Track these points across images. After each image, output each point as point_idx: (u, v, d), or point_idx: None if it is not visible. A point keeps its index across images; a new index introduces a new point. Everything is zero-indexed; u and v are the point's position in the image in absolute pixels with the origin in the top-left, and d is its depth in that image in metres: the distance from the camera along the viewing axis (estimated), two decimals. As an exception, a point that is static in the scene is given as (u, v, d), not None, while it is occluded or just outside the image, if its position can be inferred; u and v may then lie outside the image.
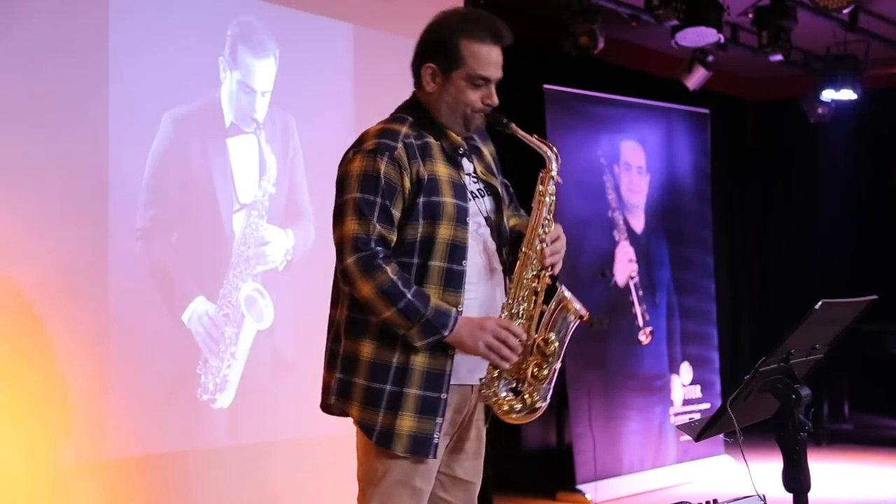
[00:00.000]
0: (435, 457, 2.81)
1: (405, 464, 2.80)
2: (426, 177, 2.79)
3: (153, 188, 4.47)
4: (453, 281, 2.80)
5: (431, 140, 2.86)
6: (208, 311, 4.64)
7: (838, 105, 8.65)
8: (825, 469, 7.45)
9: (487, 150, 3.03)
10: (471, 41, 2.82)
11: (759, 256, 10.27)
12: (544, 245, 2.84)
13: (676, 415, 7.42)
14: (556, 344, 2.82)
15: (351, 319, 2.84)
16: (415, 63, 2.91)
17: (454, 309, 2.77)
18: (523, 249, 2.84)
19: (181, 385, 4.55)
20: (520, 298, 2.83)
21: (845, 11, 6.90)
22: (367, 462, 2.84)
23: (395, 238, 2.79)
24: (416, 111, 2.90)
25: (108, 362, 4.29)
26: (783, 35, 7.20)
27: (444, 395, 2.80)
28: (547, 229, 2.85)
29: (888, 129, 9.38)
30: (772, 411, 2.88)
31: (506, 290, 2.89)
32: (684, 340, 7.60)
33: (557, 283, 2.87)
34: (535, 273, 2.84)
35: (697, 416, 7.31)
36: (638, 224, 7.39)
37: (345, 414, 2.86)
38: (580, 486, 6.62)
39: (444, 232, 2.79)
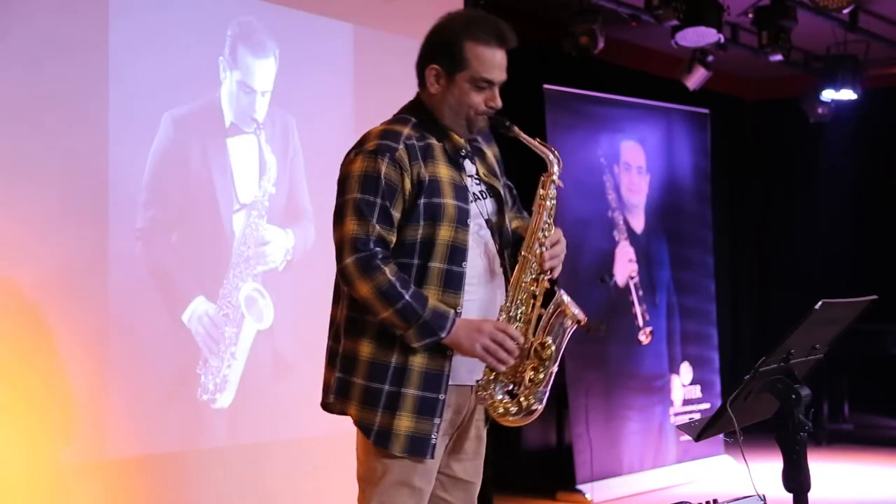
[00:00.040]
0: (433, 457, 2.81)
1: (405, 463, 2.81)
2: (427, 178, 2.80)
3: (153, 188, 4.47)
4: (453, 282, 2.80)
5: (434, 141, 2.86)
6: (208, 311, 4.64)
7: (838, 105, 8.66)
8: (825, 469, 7.45)
9: (491, 152, 3.03)
10: (475, 44, 2.82)
11: (759, 256, 10.27)
12: (544, 249, 2.84)
13: (676, 415, 7.43)
14: (553, 348, 2.83)
15: (350, 319, 2.84)
16: (419, 64, 2.91)
17: (452, 311, 2.77)
18: (522, 253, 2.84)
19: (181, 385, 4.55)
20: (518, 301, 2.83)
21: (845, 11, 6.91)
22: (367, 462, 2.85)
23: (394, 239, 2.79)
24: (419, 112, 2.90)
25: (108, 362, 4.29)
26: (783, 35, 7.20)
27: (442, 396, 2.80)
28: (547, 233, 2.85)
29: (888, 129, 9.38)
30: (772, 411, 2.88)
31: (506, 292, 2.89)
32: (684, 340, 7.61)
33: (556, 287, 2.87)
34: (533, 277, 2.84)
35: (697, 416, 7.31)
36: (638, 224, 7.39)
37: (344, 413, 2.87)
38: (580, 486, 6.62)
39: (445, 233, 2.80)
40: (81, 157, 4.25)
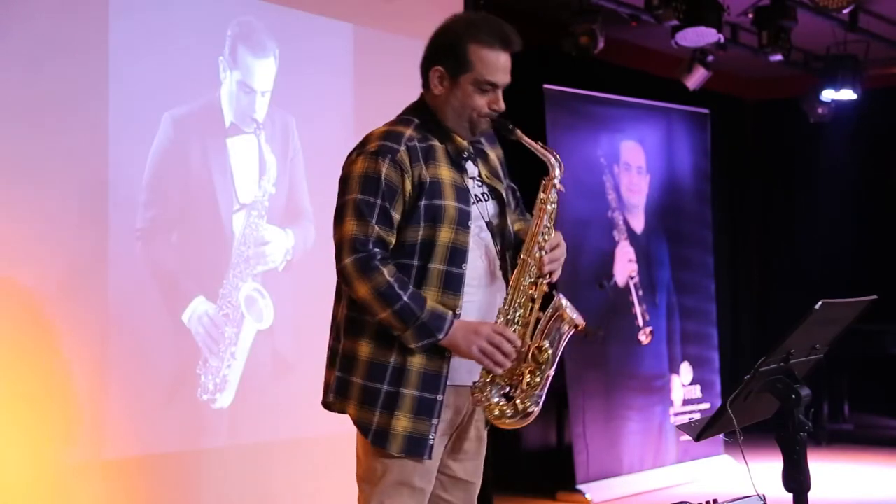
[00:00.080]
0: (430, 457, 2.81)
1: (404, 463, 2.81)
2: (428, 180, 2.80)
3: (153, 188, 4.47)
4: (452, 284, 2.81)
5: (436, 143, 2.86)
6: (208, 311, 4.64)
7: (838, 105, 8.66)
8: (825, 469, 7.45)
9: (495, 154, 3.03)
10: (480, 46, 2.82)
11: (759, 256, 10.27)
12: (543, 253, 2.84)
13: (676, 415, 7.42)
14: (550, 352, 2.83)
15: (350, 319, 2.85)
16: (423, 65, 2.91)
17: (450, 312, 2.78)
18: (522, 256, 2.85)
19: (181, 385, 4.55)
20: (516, 304, 2.83)
21: (845, 11, 6.90)
22: (367, 462, 2.85)
23: (393, 240, 2.79)
24: (422, 113, 2.90)
25: (108, 362, 4.29)
26: (783, 35, 7.20)
27: (440, 397, 2.80)
28: (547, 237, 2.86)
29: (888, 129, 9.38)
30: (772, 411, 2.88)
31: (506, 295, 2.89)
32: (684, 340, 7.60)
33: (554, 291, 2.87)
34: (532, 280, 2.84)
35: (697, 416, 7.31)
36: (638, 224, 7.39)
37: (344, 412, 2.88)
38: (580, 486, 6.62)
39: (445, 235, 2.80)
40: (81, 157, 4.25)
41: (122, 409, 4.32)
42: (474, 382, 2.84)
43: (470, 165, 2.93)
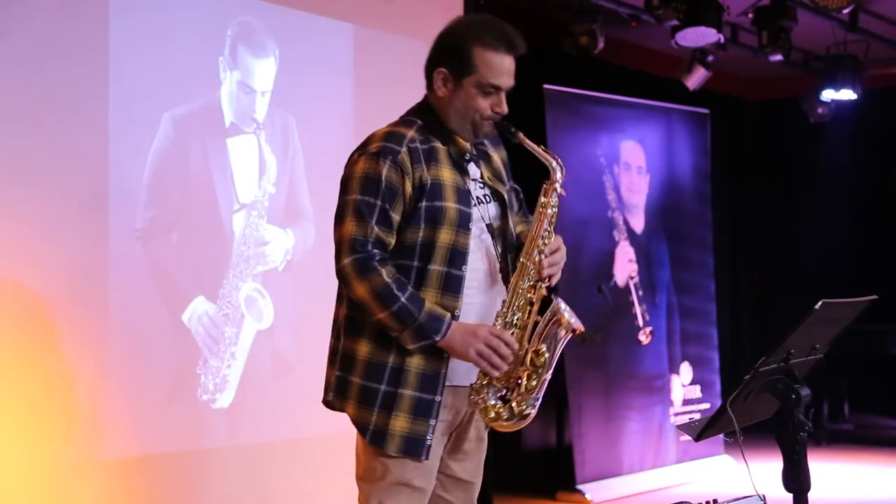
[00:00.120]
0: (427, 458, 2.81)
1: (404, 463, 2.81)
2: (429, 181, 2.80)
3: (153, 188, 4.47)
4: (452, 285, 2.81)
5: (438, 144, 2.87)
6: (208, 311, 4.64)
7: (838, 105, 8.66)
8: (825, 469, 7.45)
9: (498, 156, 3.03)
10: (484, 49, 2.82)
11: (759, 256, 10.27)
12: (543, 256, 2.85)
13: (676, 415, 7.42)
14: (547, 355, 2.84)
15: (350, 318, 2.86)
16: (427, 66, 2.91)
17: (448, 314, 2.78)
18: (521, 259, 2.85)
19: (181, 385, 4.55)
20: (514, 308, 2.84)
21: (845, 11, 6.90)
22: (367, 461, 2.86)
23: (393, 241, 2.80)
24: (425, 115, 2.90)
25: (108, 362, 4.29)
26: (783, 35, 7.20)
27: (438, 398, 2.81)
28: (546, 240, 2.86)
29: (888, 129, 9.38)
30: (772, 411, 2.88)
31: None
32: (684, 340, 7.61)
33: (553, 296, 2.87)
34: (531, 283, 2.85)
35: (697, 416, 7.31)
36: (638, 224, 7.39)
37: (343, 411, 2.88)
38: (580, 486, 6.62)
39: (445, 236, 2.80)
40: (81, 157, 4.25)
41: (122, 409, 4.32)
42: (471, 384, 2.84)
43: (472, 167, 2.93)
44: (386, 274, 2.75)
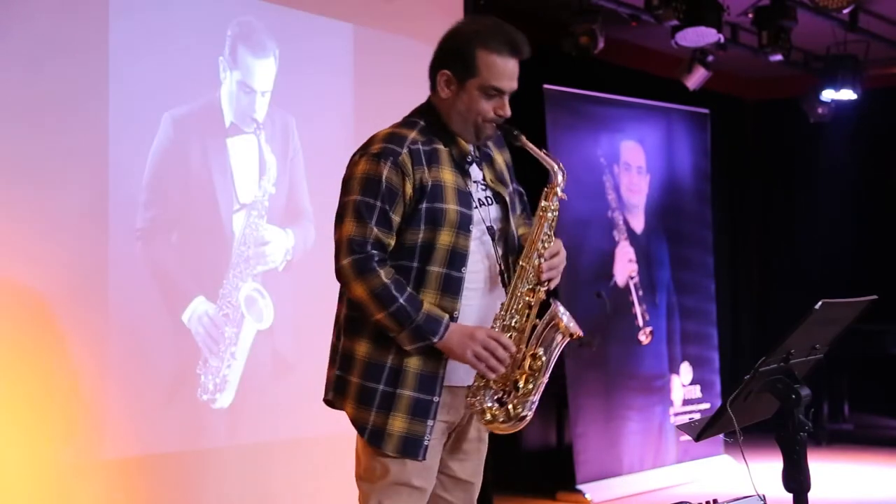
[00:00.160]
0: (425, 458, 2.82)
1: (403, 463, 2.82)
2: (430, 183, 2.80)
3: (153, 188, 4.47)
4: (451, 287, 2.81)
5: (440, 146, 2.87)
6: (208, 311, 4.64)
7: (838, 105, 8.66)
8: (825, 469, 7.45)
9: (502, 158, 3.03)
10: (488, 52, 2.82)
11: (759, 256, 10.27)
12: (542, 260, 2.85)
13: (676, 415, 7.42)
14: (544, 359, 2.83)
15: (350, 318, 2.87)
16: (431, 68, 2.91)
17: (446, 316, 2.78)
18: (521, 262, 2.85)
19: (181, 385, 4.55)
20: (513, 311, 2.84)
21: (845, 11, 6.90)
22: (367, 461, 2.86)
23: (392, 242, 2.80)
24: (428, 116, 2.90)
25: (108, 362, 4.29)
26: (783, 35, 7.20)
27: (436, 399, 2.81)
28: (546, 244, 2.86)
29: (888, 129, 9.38)
30: (772, 411, 2.88)
31: (504, 300, 2.90)
32: (684, 340, 7.61)
33: (551, 300, 2.87)
34: (530, 287, 2.85)
35: (697, 416, 7.31)
36: (638, 224, 7.39)
37: (343, 409, 2.89)
38: (580, 486, 6.62)
39: (445, 238, 2.80)
40: (81, 157, 4.25)
41: (122, 409, 4.32)
42: (468, 386, 2.84)
43: (474, 169, 2.93)
44: (384, 275, 2.75)
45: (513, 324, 2.83)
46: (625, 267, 7.22)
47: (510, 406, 2.84)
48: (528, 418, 2.86)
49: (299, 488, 4.95)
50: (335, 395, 2.88)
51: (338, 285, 2.88)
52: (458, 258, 2.81)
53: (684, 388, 7.55)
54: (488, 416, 2.85)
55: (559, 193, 2.87)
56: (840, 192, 9.68)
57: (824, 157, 9.68)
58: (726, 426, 2.84)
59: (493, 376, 2.81)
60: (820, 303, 2.77)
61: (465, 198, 2.85)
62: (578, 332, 2.83)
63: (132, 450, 4.36)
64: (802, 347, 2.88)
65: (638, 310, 7.25)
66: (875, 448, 8.53)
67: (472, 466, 3.00)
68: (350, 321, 2.86)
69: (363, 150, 2.86)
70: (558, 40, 6.85)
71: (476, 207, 2.87)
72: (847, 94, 8.28)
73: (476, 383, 2.83)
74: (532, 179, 3.17)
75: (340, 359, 2.86)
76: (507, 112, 2.87)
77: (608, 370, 7.03)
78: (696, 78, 7.64)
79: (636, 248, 7.30)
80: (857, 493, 6.95)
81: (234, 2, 4.85)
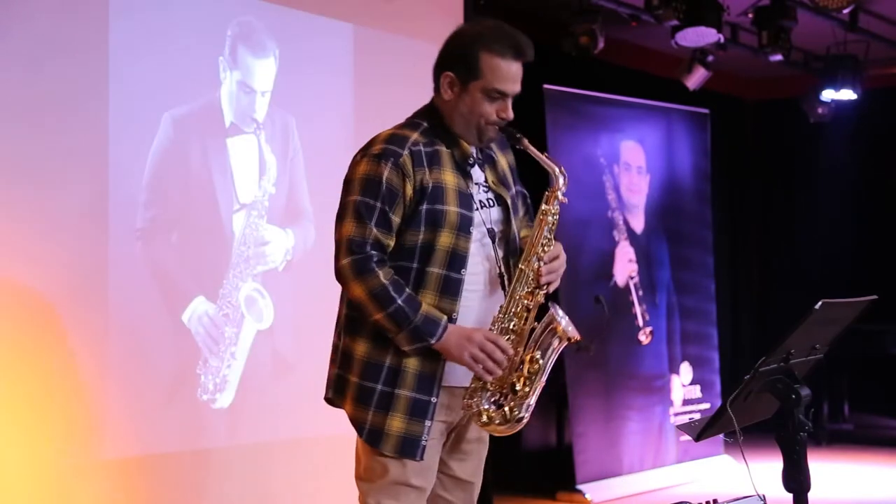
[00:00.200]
0: (422, 458, 2.82)
1: (403, 463, 2.82)
2: (431, 184, 2.80)
3: (153, 188, 4.47)
4: (450, 288, 2.81)
5: (442, 148, 2.87)
6: (208, 311, 4.64)
7: (838, 105, 8.66)
8: (825, 469, 7.45)
9: (505, 160, 3.02)
10: (491, 55, 2.82)
11: (759, 256, 10.27)
12: (541, 263, 2.85)
13: (676, 415, 7.42)
14: (542, 362, 2.84)
15: (349, 317, 2.88)
16: (435, 69, 2.91)
17: (445, 317, 2.79)
18: (520, 266, 2.86)
19: (181, 385, 4.56)
20: (511, 314, 2.84)
21: (845, 11, 6.90)
22: (366, 460, 2.87)
23: (392, 243, 2.81)
24: (431, 117, 2.91)
25: (108, 362, 4.29)
26: (783, 35, 7.20)
27: (434, 399, 2.82)
28: (546, 248, 2.86)
29: (888, 129, 9.38)
30: (772, 411, 2.88)
31: (504, 302, 2.90)
32: (684, 340, 7.60)
33: (550, 303, 2.87)
34: (529, 290, 2.85)
35: (697, 416, 7.31)
36: (638, 224, 7.39)
37: (342, 408, 2.89)
38: (580, 486, 6.62)
39: (445, 239, 2.81)
40: (81, 157, 4.25)
41: (122, 409, 4.32)
42: (466, 388, 2.85)
43: (476, 171, 2.93)
44: (383, 275, 2.75)
45: (511, 326, 2.84)
46: (625, 267, 7.22)
47: (507, 408, 2.84)
48: (525, 421, 2.86)
49: (299, 488, 4.95)
50: (335, 394, 2.90)
51: (337, 285, 2.88)
52: (457, 260, 2.82)
53: (684, 388, 7.55)
54: (485, 418, 2.85)
55: (560, 197, 2.87)
56: (840, 192, 9.68)
57: (824, 157, 9.68)
58: (726, 426, 2.84)
59: (489, 378, 2.81)
60: (820, 303, 2.77)
61: (465, 199, 2.85)
62: (576, 335, 2.84)
63: (132, 450, 4.36)
64: (802, 347, 2.88)
65: (638, 310, 7.25)
66: (875, 448, 8.53)
67: (472, 466, 3.00)
68: (350, 321, 2.86)
69: (364, 150, 2.86)
70: (558, 40, 6.84)
71: (477, 209, 2.87)
72: (847, 94, 8.28)
73: (473, 385, 2.84)
74: (533, 182, 3.17)
75: (340, 358, 2.88)
76: (510, 115, 2.87)
77: (608, 370, 7.03)
78: (696, 78, 7.64)
79: (636, 248, 7.30)
80: (857, 493, 6.95)
81: (234, 2, 4.85)
